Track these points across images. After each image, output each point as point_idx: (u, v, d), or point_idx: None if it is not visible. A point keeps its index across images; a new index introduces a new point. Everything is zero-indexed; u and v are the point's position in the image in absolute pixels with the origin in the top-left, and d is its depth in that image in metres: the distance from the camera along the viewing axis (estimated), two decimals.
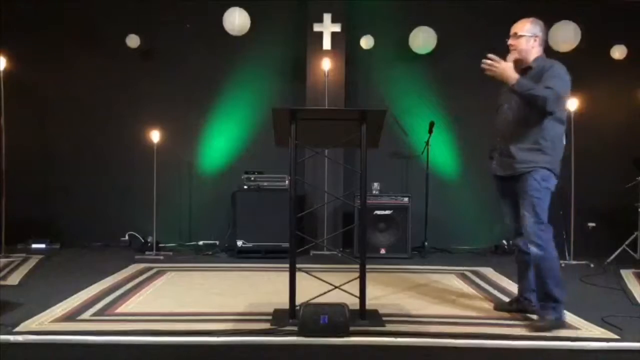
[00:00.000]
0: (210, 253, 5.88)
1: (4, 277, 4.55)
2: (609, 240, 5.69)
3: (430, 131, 5.97)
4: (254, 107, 6.26)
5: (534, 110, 3.33)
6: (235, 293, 4.15)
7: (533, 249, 3.39)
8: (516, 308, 3.69)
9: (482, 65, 3.37)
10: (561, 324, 3.34)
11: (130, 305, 3.77)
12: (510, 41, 3.59)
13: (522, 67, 3.51)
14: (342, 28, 6.15)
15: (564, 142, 3.60)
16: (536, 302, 3.53)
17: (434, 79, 6.31)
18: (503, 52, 6.61)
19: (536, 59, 3.52)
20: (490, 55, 3.38)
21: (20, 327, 3.15)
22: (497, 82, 6.40)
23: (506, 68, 3.35)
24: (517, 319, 3.56)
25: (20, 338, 2.98)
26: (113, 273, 4.71)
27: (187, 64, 6.29)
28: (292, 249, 3.41)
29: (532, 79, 3.38)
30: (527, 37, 3.53)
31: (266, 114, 3.79)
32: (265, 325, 3.26)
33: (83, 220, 6.22)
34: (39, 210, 6.18)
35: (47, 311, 3.51)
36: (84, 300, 3.85)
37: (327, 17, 6.11)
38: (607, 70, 6.19)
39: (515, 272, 4.94)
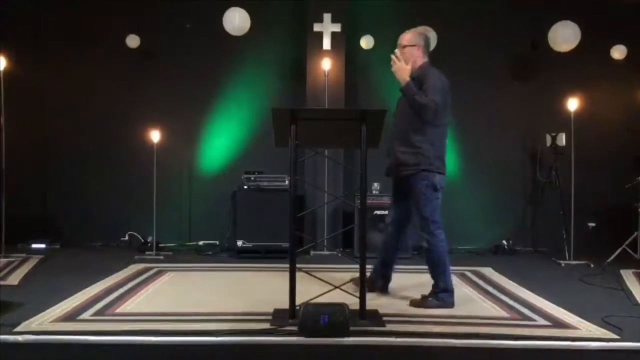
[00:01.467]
0: (210, 253, 5.89)
1: (4, 277, 4.55)
2: (609, 240, 5.69)
3: None
4: (254, 107, 6.26)
5: (416, 114, 3.64)
6: (236, 293, 4.15)
7: (424, 243, 3.78)
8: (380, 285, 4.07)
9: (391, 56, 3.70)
10: (446, 305, 3.72)
11: (130, 305, 3.77)
12: (396, 52, 3.78)
13: (410, 75, 3.74)
14: (342, 28, 6.15)
15: (446, 141, 3.84)
16: (382, 285, 4.05)
17: None
18: (504, 52, 6.63)
19: (419, 67, 3.78)
20: (396, 51, 3.72)
21: (20, 327, 3.14)
22: (496, 83, 6.41)
23: (402, 69, 3.65)
24: (517, 319, 3.56)
25: (20, 338, 2.98)
26: (113, 273, 4.71)
27: (187, 64, 6.30)
28: (292, 249, 3.41)
29: (416, 86, 3.67)
30: (409, 47, 3.78)
31: (266, 114, 3.79)
32: (265, 325, 3.26)
33: (83, 220, 6.22)
34: (39, 210, 6.19)
35: (47, 311, 3.51)
36: (84, 300, 3.84)
37: (327, 17, 6.11)
38: (607, 70, 6.19)
39: (516, 272, 4.98)
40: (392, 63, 3.66)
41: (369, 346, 3.04)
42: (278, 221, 5.49)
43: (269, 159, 5.70)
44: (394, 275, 4.10)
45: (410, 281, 4.63)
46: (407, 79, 3.63)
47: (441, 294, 3.76)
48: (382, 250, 4.10)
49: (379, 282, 4.07)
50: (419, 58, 3.78)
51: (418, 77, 3.70)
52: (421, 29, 3.88)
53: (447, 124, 3.81)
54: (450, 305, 3.74)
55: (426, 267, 3.84)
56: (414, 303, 3.79)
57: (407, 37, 3.81)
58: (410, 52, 3.76)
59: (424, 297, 3.82)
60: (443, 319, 3.50)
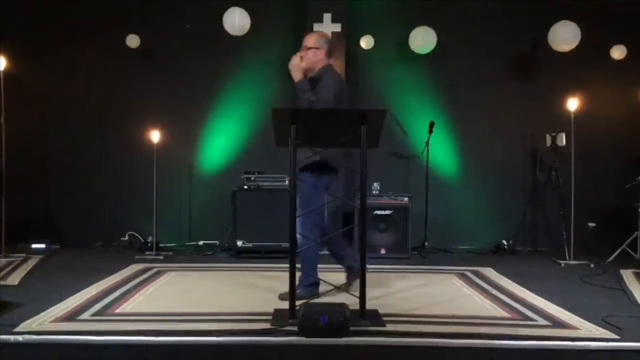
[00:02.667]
0: (210, 253, 5.89)
1: (4, 277, 4.55)
2: (609, 240, 5.69)
3: (430, 131, 5.97)
4: (254, 107, 6.25)
5: None
6: (235, 293, 4.15)
7: (298, 237, 3.77)
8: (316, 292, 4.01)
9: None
10: (312, 297, 3.79)
11: (130, 305, 3.77)
12: (300, 53, 3.94)
13: (311, 75, 3.92)
14: (342, 28, 6.14)
15: None
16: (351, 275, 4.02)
17: (434, 79, 6.31)
18: (504, 52, 6.64)
19: (321, 69, 3.92)
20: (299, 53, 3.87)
21: (20, 327, 3.14)
22: (496, 83, 6.42)
23: (295, 67, 3.84)
24: (517, 319, 3.56)
25: (20, 338, 2.98)
26: (113, 273, 4.71)
27: (187, 64, 6.29)
28: (292, 249, 3.41)
29: (315, 86, 3.81)
30: (313, 49, 3.92)
31: (266, 114, 3.79)
32: (265, 325, 3.26)
33: (83, 220, 6.22)
34: (39, 210, 6.19)
35: (47, 311, 3.51)
36: (84, 300, 3.84)
37: (327, 17, 6.11)
38: (607, 70, 6.19)
39: (516, 272, 4.99)
40: (291, 60, 3.84)
41: (369, 346, 3.04)
42: (278, 221, 5.47)
43: (269, 159, 5.69)
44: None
45: (411, 281, 4.63)
46: (299, 77, 3.82)
47: (310, 285, 3.90)
48: (315, 256, 4.06)
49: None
50: (321, 61, 3.93)
51: (317, 78, 3.86)
52: (325, 33, 4.04)
53: None
54: (314, 295, 3.86)
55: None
56: (282, 297, 3.83)
57: (312, 40, 3.95)
58: (314, 54, 3.91)
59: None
60: (443, 319, 3.50)
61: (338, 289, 3.68)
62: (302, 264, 3.88)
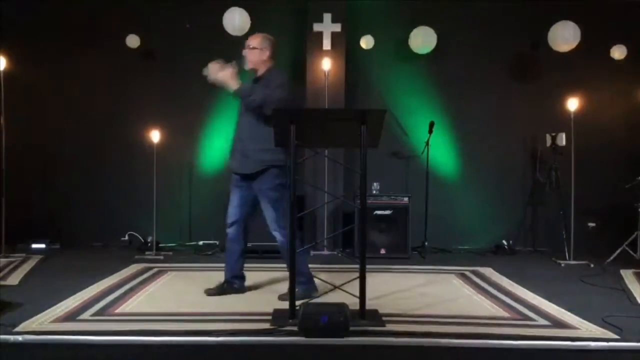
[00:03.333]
0: (210, 253, 5.88)
1: (4, 277, 4.55)
2: (609, 240, 5.69)
3: (430, 131, 5.97)
4: None
5: (257, 113, 3.76)
6: (235, 293, 4.15)
7: (278, 237, 3.89)
8: (226, 289, 4.05)
9: (203, 73, 3.84)
10: (310, 294, 3.80)
11: (130, 305, 3.77)
12: (244, 53, 3.95)
13: (255, 76, 3.94)
14: (342, 28, 6.15)
15: None
16: (239, 285, 4.10)
17: (434, 79, 6.31)
18: (504, 52, 6.64)
19: (267, 70, 3.93)
20: (215, 60, 3.81)
21: (20, 327, 3.15)
22: (496, 83, 6.42)
23: (226, 75, 3.77)
24: (517, 319, 3.56)
25: (20, 338, 2.98)
26: (113, 273, 4.71)
27: (187, 64, 6.26)
28: (292, 249, 3.41)
29: (261, 86, 3.82)
30: (258, 49, 3.91)
31: None
32: (265, 325, 3.26)
33: (83, 220, 6.22)
34: (39, 210, 6.19)
35: (47, 311, 3.51)
36: (84, 300, 3.85)
37: (327, 17, 6.11)
38: (607, 70, 6.19)
39: (516, 272, 4.98)
40: (210, 71, 3.80)
41: (369, 346, 3.04)
42: None
43: None
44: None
45: (411, 281, 4.63)
46: (237, 83, 3.78)
47: (304, 279, 3.87)
48: (231, 253, 4.09)
49: (237, 283, 4.12)
50: (266, 61, 3.93)
51: (265, 78, 3.88)
52: (268, 35, 4.00)
53: None
54: (312, 291, 3.87)
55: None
56: (282, 298, 3.84)
57: (257, 40, 3.93)
58: (260, 54, 3.91)
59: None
60: (443, 319, 3.51)
61: (338, 288, 3.66)
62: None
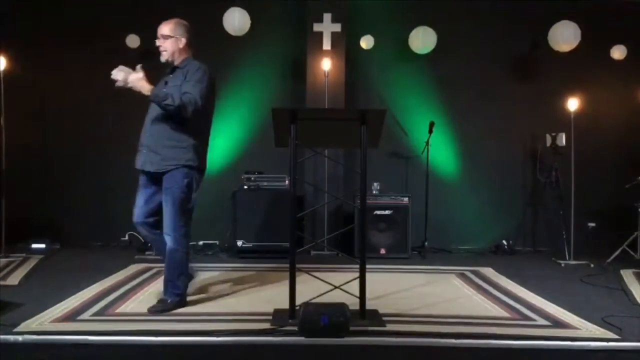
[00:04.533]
0: (210, 253, 5.88)
1: (4, 277, 4.55)
2: (609, 240, 5.69)
3: (430, 131, 5.97)
4: (254, 107, 6.26)
5: (174, 115, 3.51)
6: (235, 293, 4.15)
7: (169, 241, 3.62)
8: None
9: (112, 77, 3.49)
10: (182, 304, 3.66)
11: (130, 305, 3.77)
12: (157, 42, 3.65)
13: (171, 67, 3.66)
14: (342, 28, 6.14)
15: (209, 135, 3.78)
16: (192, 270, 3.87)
17: (434, 79, 6.31)
18: (504, 52, 6.64)
19: (184, 60, 3.66)
20: (120, 67, 3.46)
21: (20, 327, 3.15)
22: (496, 83, 6.38)
23: (136, 80, 3.42)
24: (517, 319, 3.56)
25: (20, 338, 2.98)
26: (113, 273, 4.71)
27: None
28: (292, 249, 3.41)
29: (177, 79, 3.57)
30: (172, 38, 3.64)
31: (266, 114, 3.79)
32: (265, 325, 3.26)
33: (83, 220, 6.22)
34: (39, 210, 6.18)
35: (47, 311, 3.51)
36: (84, 300, 3.84)
37: (327, 17, 6.11)
38: (607, 70, 6.19)
39: (516, 272, 4.98)
40: (117, 77, 3.46)
41: (369, 346, 3.04)
42: (278, 221, 5.50)
43: (269, 159, 5.69)
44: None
45: (411, 281, 4.63)
46: (149, 86, 3.44)
47: (178, 291, 3.66)
48: (160, 246, 3.79)
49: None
50: (183, 50, 3.66)
51: (181, 69, 3.62)
52: (182, 21, 3.74)
53: (210, 116, 3.73)
54: (183, 302, 3.70)
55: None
56: (154, 310, 3.57)
57: (169, 27, 3.66)
58: (174, 43, 3.64)
59: (161, 300, 3.67)
60: (443, 319, 3.51)
61: (338, 288, 3.66)
62: (171, 270, 3.65)
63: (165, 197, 3.62)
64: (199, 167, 3.72)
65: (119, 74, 3.45)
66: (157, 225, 3.76)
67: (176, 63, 3.66)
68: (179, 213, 3.62)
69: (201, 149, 3.70)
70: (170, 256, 3.64)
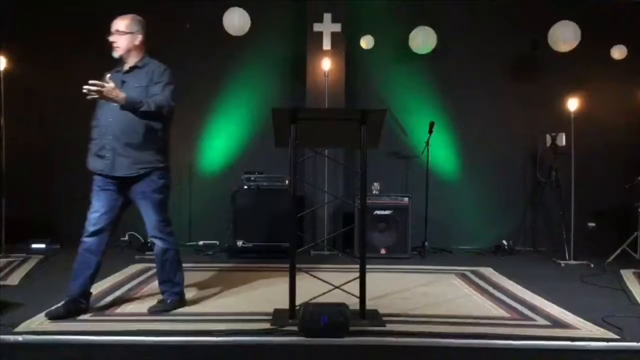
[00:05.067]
0: (210, 253, 5.88)
1: (4, 277, 4.55)
2: (609, 240, 5.69)
3: (430, 131, 5.97)
4: (254, 107, 6.26)
5: (151, 119, 3.45)
6: (235, 293, 4.15)
7: (159, 244, 3.60)
8: (71, 310, 3.42)
9: (83, 91, 3.34)
10: (182, 303, 3.64)
11: (130, 306, 3.77)
12: (111, 38, 3.54)
13: (132, 65, 3.54)
14: (342, 28, 6.15)
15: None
16: (86, 305, 3.53)
17: (434, 79, 6.31)
18: (504, 52, 6.63)
19: (142, 59, 3.57)
20: (90, 82, 3.29)
21: (20, 327, 3.15)
22: (496, 83, 6.37)
23: (111, 91, 3.30)
24: (517, 319, 3.56)
25: (20, 338, 2.98)
26: (113, 273, 4.71)
27: (187, 64, 6.28)
28: (292, 249, 3.42)
29: (139, 80, 3.47)
30: (128, 34, 3.53)
31: (266, 114, 3.79)
32: (265, 325, 3.26)
33: (83, 220, 6.15)
34: (39, 210, 6.18)
35: (48, 309, 3.50)
36: None
37: (327, 17, 6.11)
38: (607, 70, 6.19)
39: (516, 272, 4.97)
40: (89, 92, 3.32)
41: (369, 346, 3.04)
42: (278, 221, 5.50)
43: (269, 159, 5.69)
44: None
45: (411, 281, 4.63)
46: (123, 95, 3.32)
47: (178, 288, 3.66)
48: (87, 265, 3.57)
49: (84, 303, 3.53)
50: (139, 47, 3.56)
51: (142, 69, 3.53)
52: (138, 17, 3.62)
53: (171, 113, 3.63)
54: (183, 300, 3.68)
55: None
56: (156, 310, 3.55)
57: (125, 23, 3.54)
58: (129, 39, 3.53)
59: (161, 301, 3.65)
60: (443, 319, 3.51)
61: (338, 288, 3.67)
62: (167, 270, 3.62)
63: (145, 202, 3.53)
64: (169, 167, 3.66)
65: (93, 88, 3.29)
66: (110, 239, 3.62)
67: (133, 62, 3.55)
68: (162, 214, 3.59)
69: (167, 149, 3.66)
70: (164, 257, 3.63)
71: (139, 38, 3.55)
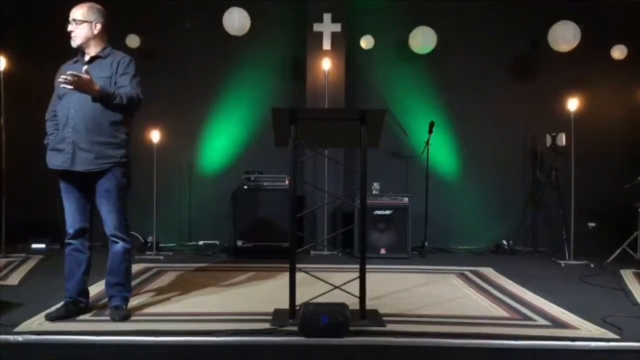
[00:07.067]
0: (210, 253, 5.88)
1: (4, 277, 4.55)
2: (609, 240, 5.69)
3: (430, 131, 5.97)
4: (254, 107, 6.26)
5: (123, 112, 3.37)
6: (235, 293, 4.15)
7: (121, 244, 3.44)
8: (71, 310, 3.41)
9: (59, 82, 3.25)
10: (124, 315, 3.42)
11: (130, 306, 3.76)
12: (69, 27, 3.40)
13: (93, 55, 3.43)
14: (342, 28, 6.15)
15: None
16: (86, 303, 3.53)
17: (434, 79, 6.32)
18: (504, 52, 6.63)
19: (104, 49, 3.46)
20: (69, 72, 3.15)
21: (20, 327, 3.15)
22: (496, 83, 6.38)
23: (88, 83, 3.17)
24: (517, 319, 3.56)
25: (20, 338, 2.98)
26: None
27: (187, 64, 6.29)
28: (292, 249, 3.41)
29: (103, 70, 3.37)
30: (87, 23, 3.38)
31: (266, 114, 3.79)
32: (265, 325, 3.26)
33: None
34: (39, 210, 6.17)
35: (47, 311, 3.50)
36: None
37: (327, 17, 6.11)
38: (607, 70, 6.19)
39: (516, 272, 4.97)
40: (65, 84, 3.17)
41: (369, 346, 3.04)
42: (278, 221, 5.50)
43: (269, 159, 5.70)
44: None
45: (411, 281, 4.63)
46: (98, 87, 3.20)
47: (128, 293, 3.54)
48: (77, 264, 3.49)
49: (83, 302, 3.54)
50: (99, 37, 3.42)
51: (105, 59, 3.42)
52: (98, 6, 3.46)
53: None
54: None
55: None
56: (117, 317, 3.35)
57: (82, 11, 3.38)
58: (88, 29, 3.38)
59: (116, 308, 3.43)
60: (443, 319, 3.51)
61: (338, 288, 3.67)
62: (124, 272, 3.49)
63: (106, 200, 3.37)
64: (130, 162, 3.50)
65: (69, 78, 3.14)
66: (90, 232, 3.52)
67: (95, 51, 3.42)
68: (124, 213, 3.44)
69: (129, 144, 3.50)
70: (123, 257, 3.47)
71: (98, 27, 3.40)
